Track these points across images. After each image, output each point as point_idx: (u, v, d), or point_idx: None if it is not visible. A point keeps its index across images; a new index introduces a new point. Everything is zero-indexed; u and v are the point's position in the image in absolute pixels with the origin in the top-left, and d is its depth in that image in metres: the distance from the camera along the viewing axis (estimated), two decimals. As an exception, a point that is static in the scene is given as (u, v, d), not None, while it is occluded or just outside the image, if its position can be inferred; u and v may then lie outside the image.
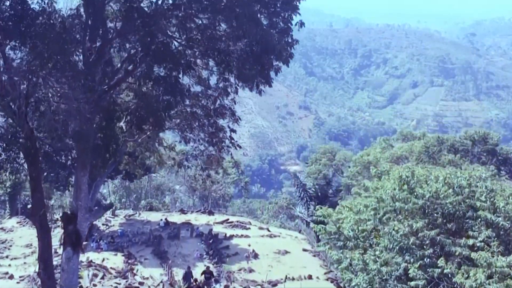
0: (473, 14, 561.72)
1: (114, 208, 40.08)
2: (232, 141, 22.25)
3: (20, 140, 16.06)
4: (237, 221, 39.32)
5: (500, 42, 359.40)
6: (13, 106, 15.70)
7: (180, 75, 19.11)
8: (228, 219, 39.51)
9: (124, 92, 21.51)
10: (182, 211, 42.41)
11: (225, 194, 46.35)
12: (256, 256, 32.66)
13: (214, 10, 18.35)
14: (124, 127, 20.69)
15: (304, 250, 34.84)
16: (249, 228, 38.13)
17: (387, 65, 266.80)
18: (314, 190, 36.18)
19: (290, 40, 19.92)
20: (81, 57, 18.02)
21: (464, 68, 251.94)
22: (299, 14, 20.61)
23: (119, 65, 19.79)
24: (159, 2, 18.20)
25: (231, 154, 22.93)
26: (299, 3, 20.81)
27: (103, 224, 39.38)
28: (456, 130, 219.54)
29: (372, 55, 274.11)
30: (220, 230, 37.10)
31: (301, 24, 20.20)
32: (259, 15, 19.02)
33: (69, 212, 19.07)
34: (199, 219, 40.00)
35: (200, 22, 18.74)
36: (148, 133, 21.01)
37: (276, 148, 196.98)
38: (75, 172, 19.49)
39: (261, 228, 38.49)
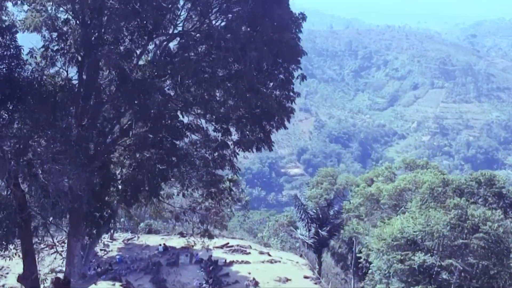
0: (473, 15, 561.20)
1: (112, 231, 39.41)
2: (232, 192, 21.74)
3: (12, 205, 15.62)
4: (237, 245, 38.88)
5: (501, 43, 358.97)
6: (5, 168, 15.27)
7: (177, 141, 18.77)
8: (228, 243, 39.08)
9: (117, 158, 20.96)
10: (181, 234, 41.89)
11: (225, 215, 45.82)
12: (256, 284, 32.19)
13: (211, 84, 18.11)
14: (117, 195, 20.17)
15: (306, 277, 34.36)
16: (249, 253, 37.66)
17: (387, 66, 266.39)
18: (315, 211, 35.87)
19: (291, 94, 19.58)
20: (73, 121, 17.60)
21: (465, 70, 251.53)
22: (301, 68, 20.41)
23: (114, 129, 19.40)
24: (153, 72, 17.82)
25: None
26: (301, 56, 20.56)
27: (101, 250, 38.67)
28: (457, 132, 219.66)
29: (372, 57, 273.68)
30: (220, 255, 36.66)
31: (303, 77, 20.04)
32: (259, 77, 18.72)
33: (61, 277, 18.61)
34: (198, 243, 39.59)
35: (197, 92, 18.44)
36: (143, 200, 20.45)
37: (277, 151, 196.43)
38: (68, 238, 19.01)
39: (261, 253, 38.02)
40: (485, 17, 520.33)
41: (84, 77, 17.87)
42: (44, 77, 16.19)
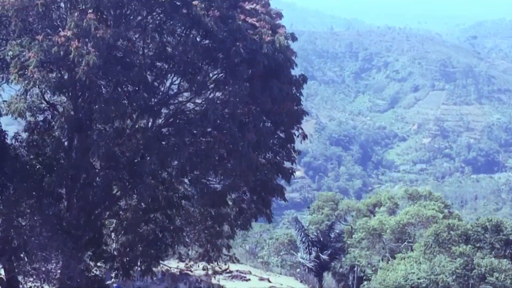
0: (474, 15, 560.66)
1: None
2: (230, 253, 21.41)
3: None
4: (237, 271, 38.41)
5: (501, 44, 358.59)
6: None
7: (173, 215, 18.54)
8: (228, 269, 38.65)
9: (108, 233, 20.68)
10: (180, 258, 41.47)
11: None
12: (256, 313, 31.79)
13: (206, 168, 17.95)
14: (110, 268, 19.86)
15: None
16: (249, 280, 37.13)
17: (388, 68, 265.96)
18: (316, 234, 35.58)
19: (292, 154, 19.43)
20: (61, 205, 17.32)
21: (466, 72, 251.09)
22: (302, 128, 20.34)
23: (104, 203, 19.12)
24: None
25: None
26: (303, 118, 20.51)
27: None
28: (458, 134, 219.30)
29: (373, 59, 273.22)
30: (219, 282, 36.16)
31: (304, 136, 19.98)
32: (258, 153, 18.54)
33: None
34: (198, 268, 39.00)
35: (191, 174, 18.23)
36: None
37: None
38: None
39: (261, 279, 37.55)
40: (485, 17, 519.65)
41: (73, 157, 17.64)
42: (30, 157, 16.05)
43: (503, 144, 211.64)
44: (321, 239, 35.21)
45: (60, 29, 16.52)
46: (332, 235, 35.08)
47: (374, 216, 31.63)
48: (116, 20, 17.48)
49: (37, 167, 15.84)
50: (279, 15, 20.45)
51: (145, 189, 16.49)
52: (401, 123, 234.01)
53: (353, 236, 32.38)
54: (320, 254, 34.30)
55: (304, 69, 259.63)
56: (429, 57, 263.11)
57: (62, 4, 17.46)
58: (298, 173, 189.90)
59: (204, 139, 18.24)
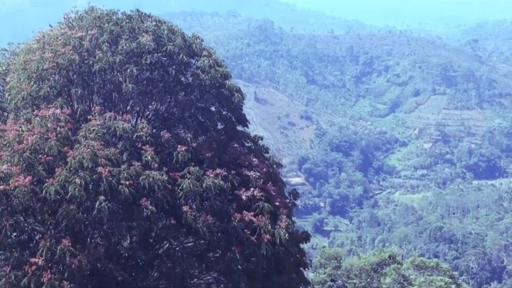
0: (475, 16, 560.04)
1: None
2: None
3: None
4: None
5: (502, 46, 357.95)
6: None
7: None
8: None
9: None
10: None
11: None
12: None
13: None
14: None
15: None
16: None
17: (388, 72, 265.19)
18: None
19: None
20: None
21: (467, 76, 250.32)
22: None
23: None
24: None
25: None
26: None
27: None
28: (459, 139, 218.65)
29: (373, 62, 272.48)
30: None
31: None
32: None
33: None
34: None
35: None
36: None
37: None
38: None
39: None
40: (486, 18, 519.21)
41: None
42: None
43: (505, 149, 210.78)
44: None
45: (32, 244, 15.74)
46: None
47: (379, 279, 30.86)
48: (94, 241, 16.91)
49: None
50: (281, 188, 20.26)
51: None
52: (402, 127, 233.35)
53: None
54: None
55: (305, 73, 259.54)
56: (430, 61, 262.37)
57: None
58: (299, 180, 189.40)
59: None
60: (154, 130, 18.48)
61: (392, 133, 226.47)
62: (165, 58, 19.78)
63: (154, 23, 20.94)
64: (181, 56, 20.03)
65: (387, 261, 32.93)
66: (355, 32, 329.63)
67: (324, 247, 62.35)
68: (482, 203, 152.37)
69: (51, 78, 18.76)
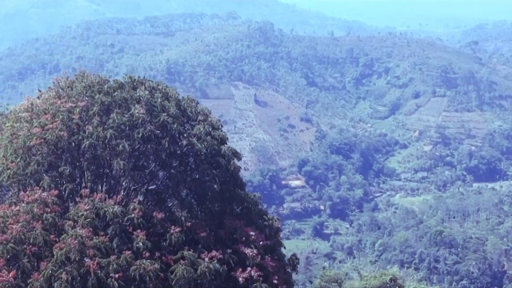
0: (475, 17, 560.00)
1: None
2: None
3: None
4: None
5: (503, 47, 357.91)
6: None
7: None
8: None
9: None
10: None
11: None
12: None
13: None
14: None
15: None
16: None
17: (389, 74, 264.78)
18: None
19: None
20: None
21: (467, 78, 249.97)
22: None
23: None
24: None
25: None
26: None
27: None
28: (459, 141, 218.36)
29: (373, 64, 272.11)
30: None
31: None
32: None
33: None
34: None
35: None
36: None
37: (278, 162, 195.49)
38: None
39: None
40: (486, 19, 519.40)
41: None
42: None
43: (505, 152, 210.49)
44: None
45: None
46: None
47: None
48: None
49: None
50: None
51: None
52: (402, 130, 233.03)
53: None
54: None
55: (305, 75, 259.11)
56: (430, 63, 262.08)
57: None
58: (298, 183, 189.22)
59: None
60: (147, 208, 17.77)
61: (392, 136, 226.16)
62: (158, 131, 19.19)
63: (147, 91, 20.06)
64: (175, 125, 19.45)
65: (388, 285, 32.58)
66: (355, 33, 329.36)
67: (324, 268, 62.09)
68: (483, 207, 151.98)
69: (38, 155, 18.04)
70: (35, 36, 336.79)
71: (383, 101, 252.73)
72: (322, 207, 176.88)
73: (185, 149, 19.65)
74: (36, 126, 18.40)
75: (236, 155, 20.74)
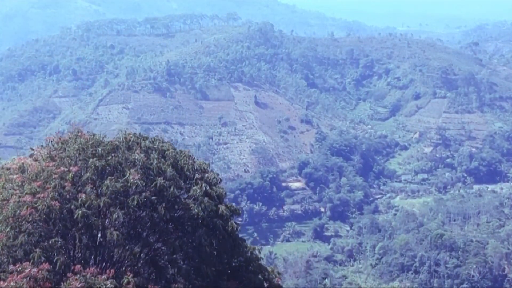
0: (475, 17, 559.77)
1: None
2: None
3: None
4: None
5: (503, 48, 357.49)
6: None
7: None
8: None
9: None
10: None
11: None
12: None
13: None
14: None
15: None
16: None
17: (389, 75, 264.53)
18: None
19: None
20: None
21: (467, 79, 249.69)
22: None
23: None
24: None
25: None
26: None
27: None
28: (459, 143, 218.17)
29: (374, 65, 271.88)
30: None
31: None
32: None
33: None
34: None
35: None
36: None
37: (278, 164, 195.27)
38: None
39: None
40: (487, 19, 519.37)
41: None
42: None
43: (505, 153, 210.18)
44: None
45: None
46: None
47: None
48: None
49: None
50: None
51: None
52: (402, 131, 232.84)
53: None
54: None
55: (305, 76, 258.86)
56: (431, 64, 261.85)
57: None
58: (299, 185, 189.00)
59: None
60: (142, 281, 17.18)
61: (393, 137, 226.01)
62: (154, 197, 18.64)
63: (142, 154, 19.44)
64: (171, 189, 18.92)
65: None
66: (355, 34, 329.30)
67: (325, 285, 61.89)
68: (483, 209, 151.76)
69: (29, 223, 17.49)
70: (35, 36, 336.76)
71: (383, 103, 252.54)
72: (322, 209, 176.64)
73: (182, 212, 19.23)
74: (27, 193, 17.79)
75: (235, 212, 20.30)
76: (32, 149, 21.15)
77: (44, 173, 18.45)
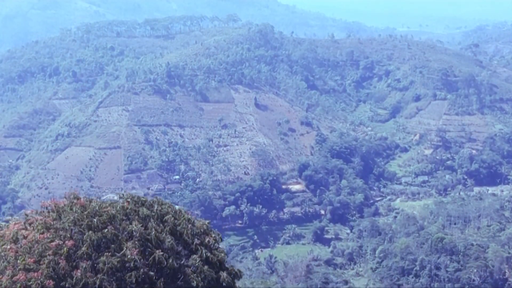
0: (475, 18, 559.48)
1: None
2: None
3: None
4: None
5: (503, 49, 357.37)
6: None
7: None
8: None
9: None
10: None
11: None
12: None
13: None
14: None
15: None
16: None
17: (389, 77, 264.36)
18: None
19: None
20: None
21: (467, 81, 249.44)
22: None
23: None
24: None
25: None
26: None
27: None
28: (460, 145, 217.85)
29: (374, 67, 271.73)
30: None
31: None
32: None
33: None
34: None
35: None
36: None
37: (278, 167, 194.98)
38: None
39: None
40: (487, 20, 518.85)
41: None
42: None
43: (506, 156, 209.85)
44: None
45: None
46: None
47: None
48: None
49: None
50: None
51: None
52: (402, 133, 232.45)
53: None
54: None
55: (305, 78, 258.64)
56: (431, 66, 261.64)
57: None
58: (299, 187, 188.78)
59: None
60: None
61: (393, 139, 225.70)
62: (152, 272, 18.23)
63: (140, 224, 18.83)
64: (170, 261, 18.54)
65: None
66: (356, 35, 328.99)
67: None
68: (484, 213, 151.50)
69: None
70: (35, 37, 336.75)
71: (383, 104, 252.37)
72: (322, 212, 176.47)
73: (181, 283, 18.74)
74: (20, 269, 17.29)
75: (236, 276, 19.81)
76: (27, 214, 20.41)
77: (39, 246, 17.93)
